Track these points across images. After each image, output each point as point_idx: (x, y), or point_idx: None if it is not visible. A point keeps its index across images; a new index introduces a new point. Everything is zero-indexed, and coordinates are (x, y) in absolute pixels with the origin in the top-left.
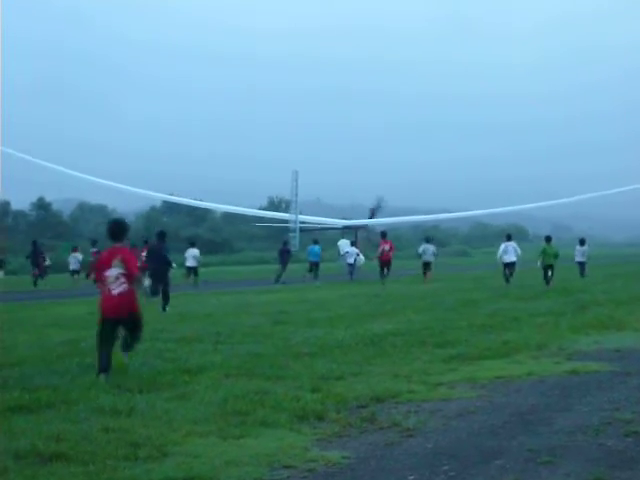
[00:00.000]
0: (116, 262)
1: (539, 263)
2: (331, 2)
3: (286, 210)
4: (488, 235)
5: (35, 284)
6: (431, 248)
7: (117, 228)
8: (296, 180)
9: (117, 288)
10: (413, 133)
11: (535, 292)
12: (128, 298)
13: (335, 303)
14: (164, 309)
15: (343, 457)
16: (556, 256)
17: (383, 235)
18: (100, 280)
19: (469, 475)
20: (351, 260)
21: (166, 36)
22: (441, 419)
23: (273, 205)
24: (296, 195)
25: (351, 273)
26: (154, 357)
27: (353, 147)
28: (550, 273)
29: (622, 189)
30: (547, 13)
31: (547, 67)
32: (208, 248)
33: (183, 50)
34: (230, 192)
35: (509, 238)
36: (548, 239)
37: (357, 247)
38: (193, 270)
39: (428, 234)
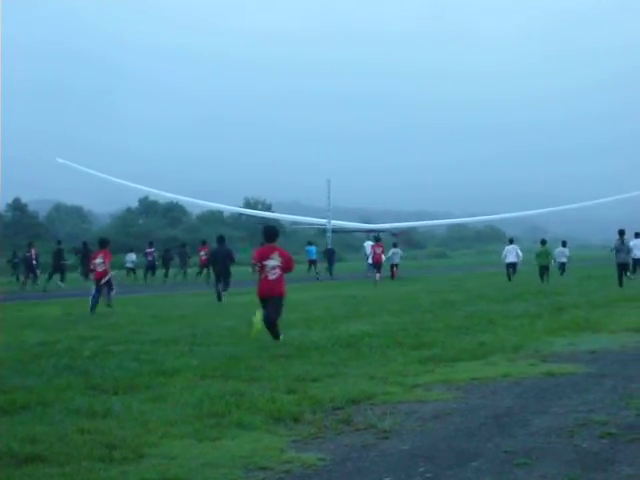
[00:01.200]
0: (274, 256)
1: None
2: (322, 6)
3: (263, 210)
4: (466, 237)
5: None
6: (399, 252)
7: (271, 232)
8: (329, 187)
9: (272, 275)
10: (396, 137)
11: (512, 294)
12: (278, 283)
13: (311, 304)
14: (220, 299)
15: (319, 459)
16: (550, 257)
17: (377, 239)
18: (260, 269)
19: (445, 477)
20: (371, 260)
21: (163, 39)
22: (417, 421)
23: (249, 206)
24: (329, 200)
25: (369, 271)
26: (130, 359)
27: (331, 150)
28: (546, 272)
29: (605, 200)
30: (533, 17)
31: (535, 71)
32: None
33: (181, 53)
34: (206, 192)
35: (511, 241)
36: (543, 242)
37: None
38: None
39: (396, 239)
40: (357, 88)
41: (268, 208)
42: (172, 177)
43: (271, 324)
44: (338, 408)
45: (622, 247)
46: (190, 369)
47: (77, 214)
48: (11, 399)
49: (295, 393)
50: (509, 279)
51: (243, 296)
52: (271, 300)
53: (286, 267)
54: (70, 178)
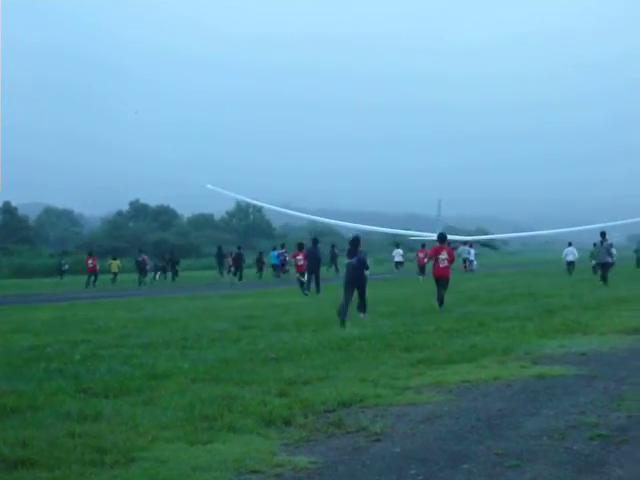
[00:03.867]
0: (443, 252)
1: (592, 262)
2: (319, 11)
3: (253, 214)
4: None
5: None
6: (400, 251)
7: (442, 237)
8: (439, 206)
9: (442, 264)
10: (378, 142)
11: (503, 296)
12: (447, 270)
13: (303, 307)
14: (318, 292)
15: (310, 462)
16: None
17: (422, 245)
18: (435, 259)
19: (436, 479)
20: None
21: (163, 41)
22: (408, 423)
23: (241, 209)
24: (439, 214)
25: (470, 270)
26: (121, 363)
27: (320, 154)
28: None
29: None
30: (509, 28)
31: (524, 78)
32: (175, 253)
33: (178, 55)
34: (196, 195)
35: (570, 244)
36: (595, 245)
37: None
38: (401, 264)
39: (397, 240)
40: (336, 93)
41: (259, 211)
42: (162, 178)
43: (441, 297)
44: (329, 411)
45: (601, 248)
46: (181, 372)
47: (67, 218)
48: (1, 403)
49: (286, 396)
50: (570, 274)
51: (236, 299)
52: (442, 280)
53: (451, 260)
54: (60, 181)
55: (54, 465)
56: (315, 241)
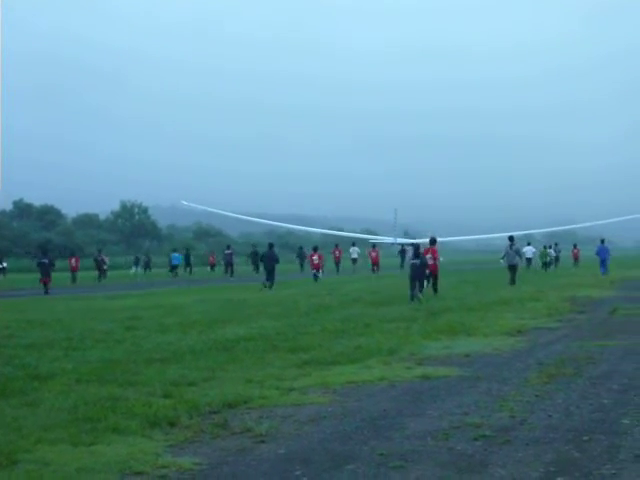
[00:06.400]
0: (429, 253)
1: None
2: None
3: (139, 214)
4: (340, 241)
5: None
6: (357, 249)
7: (433, 240)
8: (396, 215)
9: (430, 261)
10: (268, 145)
11: (387, 297)
12: (434, 266)
13: (188, 308)
14: (271, 287)
15: (195, 463)
16: (548, 256)
17: (373, 245)
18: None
19: None
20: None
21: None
22: (293, 424)
23: (126, 210)
24: (395, 222)
25: None
26: (3, 364)
27: (207, 153)
28: (545, 266)
29: (619, 218)
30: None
31: (414, 87)
32: (58, 253)
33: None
34: (78, 190)
35: (529, 244)
36: (545, 247)
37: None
38: (356, 260)
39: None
40: (241, 94)
41: (145, 212)
42: (52, 162)
43: (435, 287)
44: (214, 412)
45: (510, 251)
46: (65, 373)
47: None
48: None
49: (171, 397)
50: (527, 268)
51: (121, 300)
52: (432, 275)
53: (434, 257)
54: None
55: None
56: (271, 245)
